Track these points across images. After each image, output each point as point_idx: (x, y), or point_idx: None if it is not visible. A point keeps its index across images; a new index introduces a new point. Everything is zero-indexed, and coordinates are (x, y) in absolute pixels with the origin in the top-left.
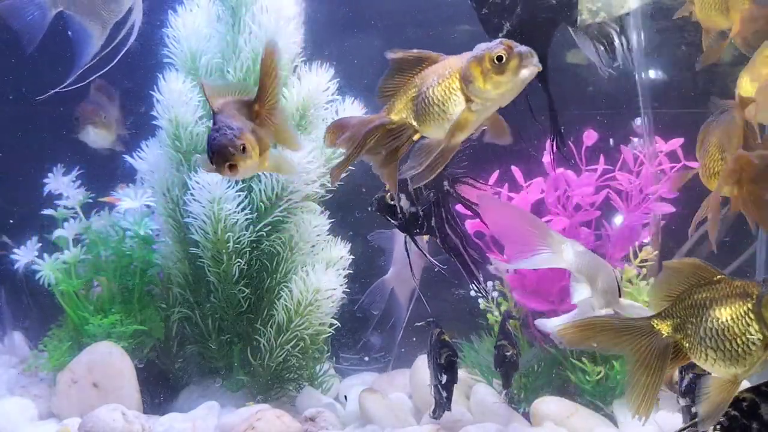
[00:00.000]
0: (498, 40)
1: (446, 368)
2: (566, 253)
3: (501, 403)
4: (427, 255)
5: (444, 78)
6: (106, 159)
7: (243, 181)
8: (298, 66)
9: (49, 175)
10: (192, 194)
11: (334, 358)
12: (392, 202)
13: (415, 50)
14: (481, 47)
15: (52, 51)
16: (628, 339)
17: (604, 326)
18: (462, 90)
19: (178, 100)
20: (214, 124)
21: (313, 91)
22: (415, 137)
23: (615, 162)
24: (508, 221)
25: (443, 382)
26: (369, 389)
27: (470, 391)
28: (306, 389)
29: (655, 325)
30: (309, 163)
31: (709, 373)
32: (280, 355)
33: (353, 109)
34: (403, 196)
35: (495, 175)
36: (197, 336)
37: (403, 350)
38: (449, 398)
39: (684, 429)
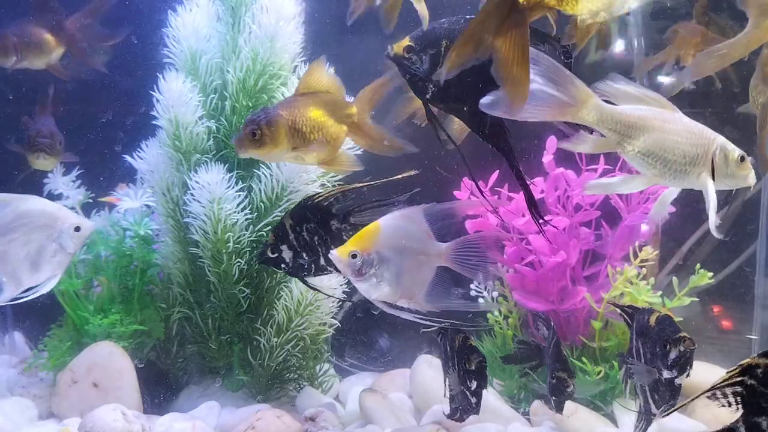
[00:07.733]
0: None
1: (477, 374)
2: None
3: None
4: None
5: None
6: (106, 159)
7: (243, 180)
8: (298, 66)
9: (49, 175)
10: (192, 194)
11: (334, 358)
12: (274, 255)
13: None
14: None
15: None
16: None
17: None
18: None
19: (178, 100)
20: None
21: None
22: None
23: (615, 162)
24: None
25: (473, 388)
26: (369, 389)
27: None
28: (306, 389)
29: None
30: None
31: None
32: (280, 355)
33: None
34: (284, 247)
35: (495, 174)
36: (197, 336)
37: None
38: (479, 403)
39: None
